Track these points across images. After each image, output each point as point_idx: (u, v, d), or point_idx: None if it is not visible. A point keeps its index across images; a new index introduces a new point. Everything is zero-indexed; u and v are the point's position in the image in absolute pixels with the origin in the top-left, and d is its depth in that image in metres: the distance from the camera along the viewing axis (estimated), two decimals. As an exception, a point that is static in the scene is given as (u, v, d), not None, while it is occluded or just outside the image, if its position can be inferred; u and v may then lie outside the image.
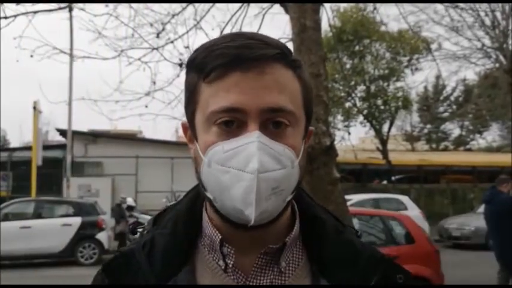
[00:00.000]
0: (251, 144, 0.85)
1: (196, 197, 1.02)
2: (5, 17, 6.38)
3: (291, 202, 0.95)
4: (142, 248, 0.97)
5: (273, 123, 0.89)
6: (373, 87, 26.89)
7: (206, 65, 0.89)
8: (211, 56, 0.89)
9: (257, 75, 0.87)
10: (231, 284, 0.94)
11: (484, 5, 20.31)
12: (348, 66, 26.10)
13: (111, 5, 7.36)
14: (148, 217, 4.99)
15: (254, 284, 0.94)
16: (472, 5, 20.29)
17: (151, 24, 7.62)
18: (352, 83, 25.70)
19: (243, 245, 0.93)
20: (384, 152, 28.03)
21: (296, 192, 0.94)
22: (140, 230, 1.04)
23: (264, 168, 0.84)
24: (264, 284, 0.94)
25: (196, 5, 7.47)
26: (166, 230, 0.98)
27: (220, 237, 0.93)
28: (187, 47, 7.48)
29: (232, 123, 0.88)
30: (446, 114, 38.75)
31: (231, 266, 0.94)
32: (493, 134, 43.78)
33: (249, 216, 0.85)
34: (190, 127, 0.97)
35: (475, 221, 15.95)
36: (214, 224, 0.95)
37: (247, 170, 0.84)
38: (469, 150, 40.95)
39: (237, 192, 0.85)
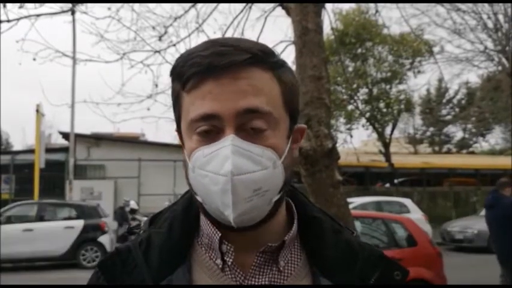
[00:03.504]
0: (225, 148, 0.87)
1: (193, 198, 1.02)
2: (8, 21, 6.39)
3: (281, 202, 0.96)
4: (139, 246, 0.97)
5: (251, 127, 0.90)
6: (375, 90, 26.91)
7: (183, 74, 0.92)
8: (186, 66, 0.91)
9: (230, 80, 0.89)
10: (229, 283, 0.94)
11: (487, 8, 20.33)
12: (350, 69, 26.14)
13: (114, 8, 7.37)
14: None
15: (253, 283, 0.94)
16: (474, 7, 20.31)
17: (153, 27, 7.63)
18: (355, 85, 25.71)
19: (241, 244, 0.94)
20: (387, 155, 28.01)
21: (287, 192, 0.96)
22: (137, 230, 1.05)
23: (239, 170, 0.86)
24: (263, 283, 0.94)
25: (199, 8, 7.49)
26: (163, 229, 1.00)
27: (220, 234, 0.94)
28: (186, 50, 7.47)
29: (210, 131, 0.90)
30: (449, 117, 38.71)
31: (229, 264, 0.94)
32: (496, 137, 43.71)
33: (228, 217, 0.86)
34: (178, 133, 1.00)
35: (477, 224, 15.90)
36: (212, 223, 0.96)
37: (221, 173, 0.86)
38: (472, 153, 40.88)
39: (216, 194, 0.87)
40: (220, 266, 0.95)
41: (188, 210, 1.02)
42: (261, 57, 0.92)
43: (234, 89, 0.89)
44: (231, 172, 0.85)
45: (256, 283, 0.94)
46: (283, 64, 0.97)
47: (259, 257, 0.95)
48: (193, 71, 0.90)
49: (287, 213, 1.01)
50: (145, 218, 1.10)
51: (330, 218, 1.06)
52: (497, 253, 7.77)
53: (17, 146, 41.63)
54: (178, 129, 0.99)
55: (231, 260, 0.94)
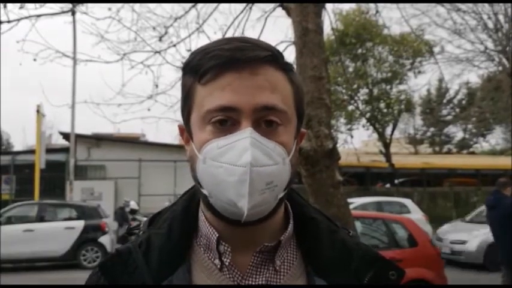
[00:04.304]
0: (244, 140, 0.88)
1: (192, 198, 1.04)
2: (8, 21, 6.39)
3: (283, 201, 0.97)
4: (139, 247, 0.98)
5: (265, 121, 0.92)
6: (375, 90, 26.93)
7: (201, 66, 0.93)
8: (205, 59, 0.92)
9: (250, 75, 0.91)
10: (227, 282, 0.95)
11: (487, 8, 20.32)
12: (350, 69, 26.16)
13: (114, 9, 7.38)
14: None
15: (250, 282, 0.95)
16: (474, 8, 20.30)
17: (153, 28, 7.64)
18: (355, 86, 25.73)
19: (238, 243, 0.95)
20: (387, 155, 28.02)
21: (288, 191, 0.97)
22: (136, 231, 1.06)
23: (257, 162, 0.87)
24: (260, 282, 0.95)
25: (199, 8, 7.49)
26: (162, 229, 1.00)
27: (217, 235, 0.95)
28: (189, 51, 7.48)
29: (226, 122, 0.91)
30: (449, 117, 38.68)
31: (227, 264, 0.95)
32: (496, 137, 43.68)
33: (242, 209, 0.87)
34: (186, 128, 1.00)
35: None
36: (210, 223, 0.97)
37: (239, 164, 0.87)
38: (473, 153, 40.87)
39: (231, 185, 0.88)
40: (219, 266, 0.96)
41: (187, 210, 1.03)
42: (277, 57, 0.95)
43: (253, 83, 0.91)
44: (250, 163, 0.86)
45: (253, 282, 0.95)
46: (292, 68, 1.00)
47: (256, 257, 0.96)
48: (212, 63, 0.91)
49: (284, 212, 1.02)
50: (145, 219, 1.10)
51: (327, 218, 1.08)
52: (501, 254, 7.77)
53: (17, 147, 41.72)
54: (187, 124, 0.99)
55: (228, 260, 0.95)
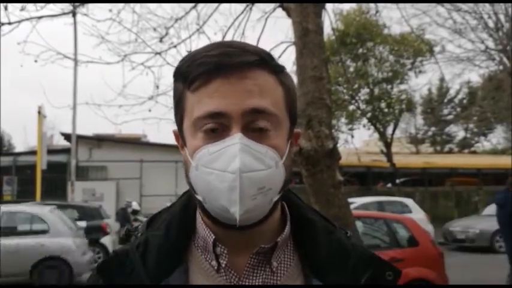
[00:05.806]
0: (233, 146, 0.88)
1: (190, 199, 1.04)
2: (9, 23, 6.41)
3: (279, 203, 0.97)
4: (136, 248, 0.99)
5: (255, 126, 0.91)
6: (376, 90, 26.93)
7: (189, 74, 0.93)
8: (193, 65, 0.92)
9: (238, 80, 0.91)
10: (224, 284, 0.95)
11: (487, 8, 20.30)
12: (351, 69, 26.16)
13: (115, 10, 7.38)
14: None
15: (247, 283, 0.95)
16: (475, 7, 20.29)
17: (154, 29, 7.64)
18: (356, 85, 25.73)
19: (235, 245, 0.96)
20: (388, 155, 28.03)
21: (284, 193, 0.97)
22: (135, 233, 1.06)
23: (247, 168, 0.87)
24: (257, 284, 0.95)
25: (199, 9, 7.50)
26: (160, 231, 1.01)
27: (213, 237, 0.95)
28: (189, 52, 7.48)
29: (217, 129, 0.91)
30: (450, 116, 38.66)
31: (224, 266, 0.96)
32: (497, 137, 43.75)
33: (234, 215, 0.87)
34: (179, 133, 1.00)
35: (479, 224, 15.92)
36: (207, 225, 0.98)
37: (229, 170, 0.87)
38: (474, 152, 40.88)
39: (222, 192, 0.88)
40: (216, 268, 0.96)
41: (185, 212, 1.03)
42: (267, 60, 0.94)
43: (242, 88, 0.90)
44: (239, 169, 0.86)
45: (250, 284, 0.96)
46: (283, 69, 0.99)
47: (253, 258, 0.96)
48: (200, 70, 0.91)
49: (280, 214, 1.02)
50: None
51: (324, 218, 1.08)
52: (507, 251, 7.77)
53: (19, 148, 41.78)
54: (180, 129, 0.99)
55: (225, 262, 0.95)
